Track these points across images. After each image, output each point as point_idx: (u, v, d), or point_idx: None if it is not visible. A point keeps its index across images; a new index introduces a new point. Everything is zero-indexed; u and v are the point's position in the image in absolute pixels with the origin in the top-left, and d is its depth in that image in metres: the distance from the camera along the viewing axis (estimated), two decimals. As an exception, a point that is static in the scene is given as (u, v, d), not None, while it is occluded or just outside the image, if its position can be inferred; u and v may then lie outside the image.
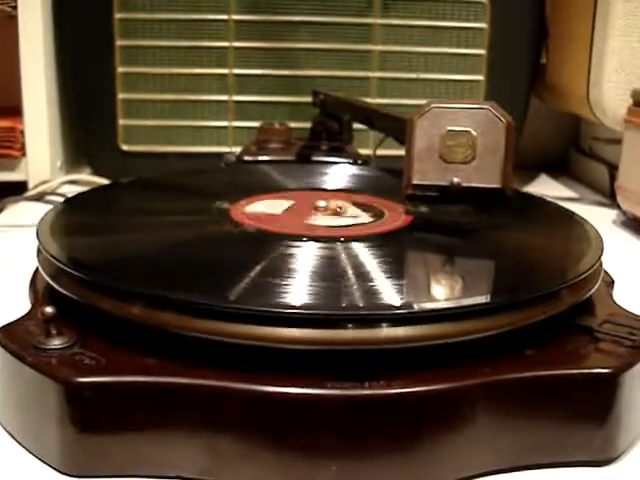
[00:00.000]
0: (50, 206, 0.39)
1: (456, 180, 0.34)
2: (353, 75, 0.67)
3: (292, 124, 0.59)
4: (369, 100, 0.66)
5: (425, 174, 0.34)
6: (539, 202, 0.46)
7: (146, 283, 0.28)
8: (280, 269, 0.30)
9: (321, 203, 0.38)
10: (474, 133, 0.34)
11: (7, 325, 0.29)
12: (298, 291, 0.28)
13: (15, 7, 0.63)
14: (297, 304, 0.27)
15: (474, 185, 0.34)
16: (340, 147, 0.54)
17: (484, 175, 0.34)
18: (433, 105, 0.34)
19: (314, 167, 0.50)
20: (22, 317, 0.30)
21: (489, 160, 0.34)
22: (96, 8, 0.65)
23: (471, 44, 0.67)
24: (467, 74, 0.68)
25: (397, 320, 0.26)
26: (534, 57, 0.70)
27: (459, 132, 0.34)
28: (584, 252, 0.33)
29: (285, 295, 0.28)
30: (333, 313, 0.26)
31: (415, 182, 0.35)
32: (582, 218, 0.40)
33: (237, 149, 0.59)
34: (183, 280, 0.29)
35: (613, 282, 0.37)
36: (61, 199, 0.51)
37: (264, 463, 0.25)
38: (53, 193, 0.63)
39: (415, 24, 0.67)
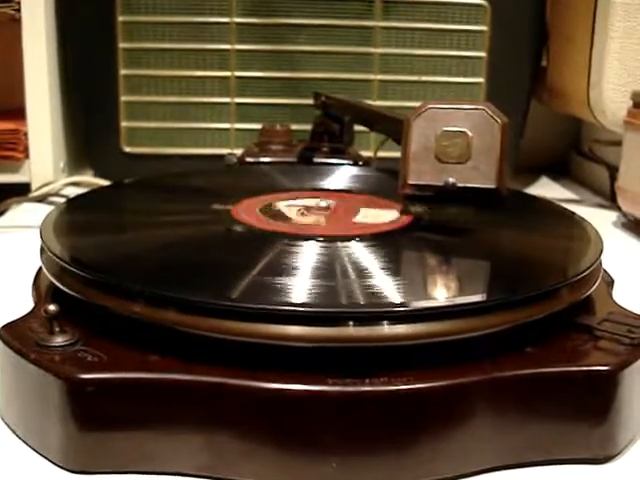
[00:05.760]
0: (53, 207, 0.40)
1: (451, 180, 0.34)
2: (354, 77, 0.68)
3: (293, 126, 0.59)
4: (370, 102, 0.66)
5: (421, 174, 0.35)
6: (539, 202, 0.46)
7: (148, 281, 0.29)
8: (281, 268, 0.30)
9: (322, 203, 0.39)
10: (469, 133, 0.34)
11: (10, 323, 0.29)
12: (299, 289, 0.28)
13: (19, 10, 0.64)
14: (298, 302, 0.27)
15: (469, 185, 0.34)
16: (341, 148, 0.54)
17: (479, 175, 0.34)
18: (429, 105, 0.35)
19: (315, 168, 0.50)
20: (25, 315, 0.30)
21: (484, 160, 0.34)
22: (99, 11, 0.65)
23: (471, 47, 0.67)
24: (468, 76, 0.68)
25: (398, 318, 0.26)
26: (534, 60, 0.71)
27: (455, 132, 0.34)
28: (584, 251, 0.34)
29: (286, 293, 0.28)
30: (334, 311, 0.27)
31: (411, 182, 0.35)
32: (582, 218, 0.40)
33: (239, 151, 0.59)
34: (185, 278, 0.30)
35: (613, 281, 0.37)
36: (64, 200, 0.51)
37: (265, 460, 0.25)
38: (56, 194, 0.63)
39: (416, 27, 0.67)
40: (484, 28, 0.67)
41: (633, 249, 0.54)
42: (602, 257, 0.34)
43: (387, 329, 0.26)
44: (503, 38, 0.67)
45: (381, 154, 0.51)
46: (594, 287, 0.32)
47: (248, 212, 0.38)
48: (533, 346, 0.28)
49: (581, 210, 0.42)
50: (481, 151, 0.34)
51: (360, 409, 0.25)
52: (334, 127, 0.55)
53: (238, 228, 0.36)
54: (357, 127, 0.55)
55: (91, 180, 0.67)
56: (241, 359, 0.26)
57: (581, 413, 0.27)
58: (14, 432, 0.28)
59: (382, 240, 0.34)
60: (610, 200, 0.67)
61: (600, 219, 0.55)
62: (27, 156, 0.66)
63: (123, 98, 0.67)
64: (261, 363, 0.26)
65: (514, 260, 0.34)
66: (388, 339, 0.26)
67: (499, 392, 0.26)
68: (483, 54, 0.68)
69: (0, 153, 0.65)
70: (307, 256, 0.32)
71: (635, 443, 0.29)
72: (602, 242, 0.35)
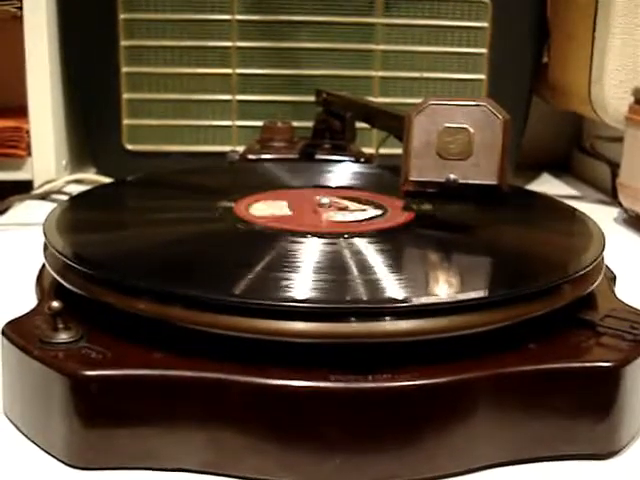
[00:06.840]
0: (55, 205, 0.40)
1: (453, 176, 0.34)
2: (356, 74, 0.68)
3: (295, 123, 0.59)
4: (372, 99, 0.66)
5: (422, 170, 0.35)
6: (541, 198, 0.46)
7: (152, 278, 0.29)
8: (284, 264, 0.30)
9: (324, 200, 0.39)
10: (471, 130, 0.34)
11: (14, 320, 0.29)
12: (302, 285, 0.28)
13: (20, 7, 0.64)
14: (301, 298, 0.27)
15: (471, 182, 0.34)
16: (343, 145, 0.54)
17: (481, 172, 0.34)
18: (430, 102, 0.35)
19: (317, 165, 0.50)
20: (29, 312, 0.30)
21: (486, 157, 0.34)
22: (100, 8, 0.65)
23: (473, 43, 0.67)
24: (469, 73, 0.68)
25: (400, 314, 0.26)
26: (535, 56, 0.71)
27: (456, 129, 0.34)
28: (586, 247, 0.34)
29: (290, 289, 0.28)
30: (337, 307, 0.27)
31: (412, 178, 0.35)
32: (584, 214, 0.40)
33: (241, 148, 0.59)
34: (188, 275, 0.30)
35: (615, 278, 0.37)
36: (66, 198, 0.51)
37: (268, 456, 0.25)
38: (58, 192, 0.63)
39: (417, 23, 0.67)
40: (485, 25, 0.67)
41: (635, 245, 0.54)
42: (604, 253, 0.34)
43: (390, 325, 0.26)
44: (504, 35, 0.67)
45: (383, 151, 0.51)
46: (596, 283, 0.32)
47: (250, 209, 0.38)
48: (536, 342, 0.28)
49: (582, 206, 0.42)
50: (482, 147, 0.34)
51: (363, 405, 0.25)
52: (336, 124, 0.55)
53: (240, 225, 0.36)
54: (359, 124, 0.55)
55: (93, 178, 0.67)
56: (244, 355, 0.26)
57: (584, 409, 0.27)
58: (18, 429, 0.28)
59: (384, 236, 0.34)
60: (611, 196, 0.67)
61: (601, 215, 0.55)
62: (29, 154, 0.66)
63: (125, 96, 0.67)
64: (264, 359, 0.26)
65: (516, 256, 0.34)
66: (391, 335, 0.26)
67: (502, 388, 0.26)
68: (484, 51, 0.68)
69: (2, 151, 0.65)
70: (310, 252, 0.32)
71: (638, 439, 0.29)
72: (604, 238, 0.35)
